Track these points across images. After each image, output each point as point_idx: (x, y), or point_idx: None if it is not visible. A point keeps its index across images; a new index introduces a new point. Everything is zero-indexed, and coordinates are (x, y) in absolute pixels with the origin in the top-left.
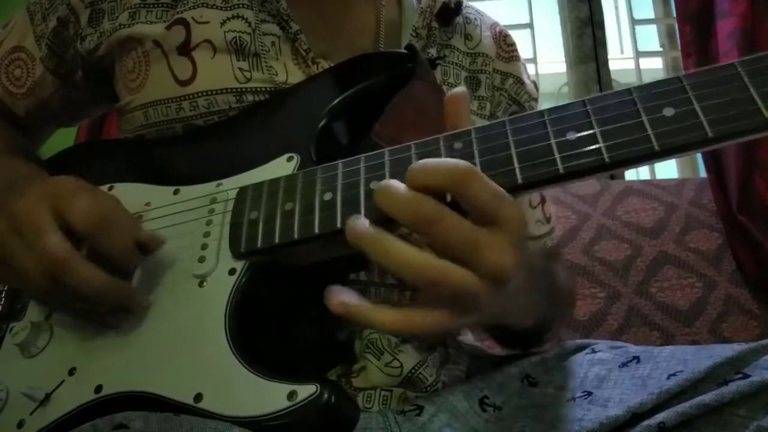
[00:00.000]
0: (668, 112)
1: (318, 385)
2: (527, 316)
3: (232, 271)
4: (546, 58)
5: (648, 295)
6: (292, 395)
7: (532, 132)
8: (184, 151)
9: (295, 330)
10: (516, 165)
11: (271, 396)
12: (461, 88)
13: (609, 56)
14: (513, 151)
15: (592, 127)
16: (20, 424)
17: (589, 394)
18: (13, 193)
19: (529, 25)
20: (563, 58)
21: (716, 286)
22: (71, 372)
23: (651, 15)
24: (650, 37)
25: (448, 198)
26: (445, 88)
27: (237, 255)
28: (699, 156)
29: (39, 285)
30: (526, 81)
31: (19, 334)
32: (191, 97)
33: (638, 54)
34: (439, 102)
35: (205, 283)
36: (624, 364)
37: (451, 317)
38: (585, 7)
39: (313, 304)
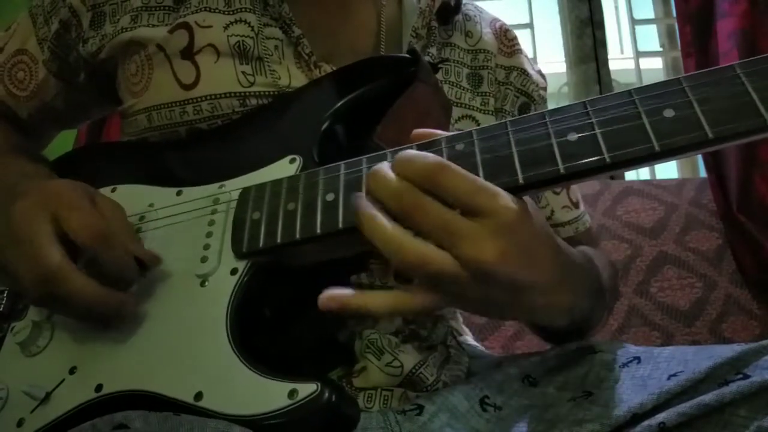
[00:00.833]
0: (668, 113)
1: (319, 384)
2: (561, 316)
3: (234, 271)
4: (546, 58)
5: (648, 295)
6: (292, 393)
7: (533, 133)
8: (187, 153)
9: (296, 330)
10: (517, 165)
11: (272, 394)
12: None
13: (609, 56)
14: (514, 151)
15: (593, 128)
16: (20, 423)
17: (590, 394)
18: (12, 194)
19: (529, 25)
20: (563, 58)
21: (716, 286)
22: (72, 371)
23: (651, 15)
24: (650, 37)
25: None
26: (446, 87)
27: (239, 255)
28: (699, 156)
29: (33, 292)
30: (531, 72)
31: (21, 333)
32: (195, 101)
33: (638, 54)
34: (440, 105)
35: (207, 283)
36: (624, 365)
37: (436, 299)
38: (585, 7)
39: (314, 304)
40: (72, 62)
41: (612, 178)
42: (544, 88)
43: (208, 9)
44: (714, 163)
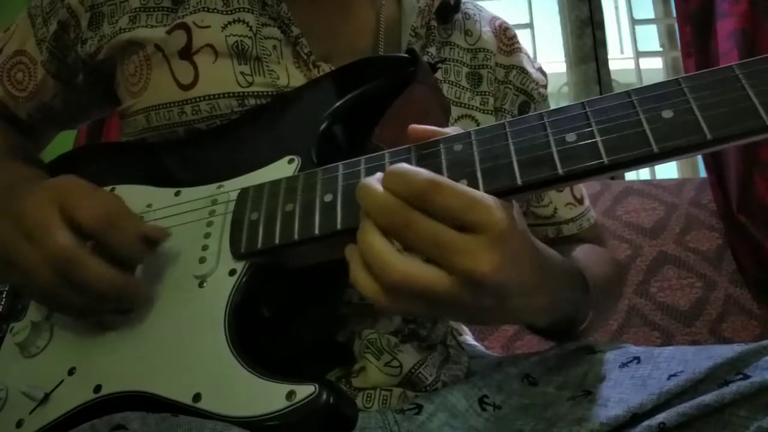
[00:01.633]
0: (667, 114)
1: (317, 385)
2: (540, 316)
3: (232, 272)
4: (546, 58)
5: (648, 295)
6: (290, 395)
7: (531, 134)
8: (186, 154)
9: (294, 331)
10: (516, 167)
11: (270, 396)
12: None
13: (609, 56)
14: (513, 153)
15: (591, 129)
16: (19, 424)
17: (589, 393)
18: (13, 195)
19: (529, 25)
20: (563, 58)
21: (716, 286)
22: (71, 372)
23: (651, 15)
24: (650, 37)
25: None
26: (446, 86)
27: (237, 256)
28: (699, 156)
29: (45, 283)
30: (531, 70)
31: (20, 334)
32: (193, 101)
33: (638, 54)
34: (439, 105)
35: (205, 284)
36: (624, 364)
37: (419, 307)
38: (585, 7)
39: (312, 305)
40: (70, 63)
41: (612, 178)
42: (545, 86)
43: (206, 9)
44: (714, 163)
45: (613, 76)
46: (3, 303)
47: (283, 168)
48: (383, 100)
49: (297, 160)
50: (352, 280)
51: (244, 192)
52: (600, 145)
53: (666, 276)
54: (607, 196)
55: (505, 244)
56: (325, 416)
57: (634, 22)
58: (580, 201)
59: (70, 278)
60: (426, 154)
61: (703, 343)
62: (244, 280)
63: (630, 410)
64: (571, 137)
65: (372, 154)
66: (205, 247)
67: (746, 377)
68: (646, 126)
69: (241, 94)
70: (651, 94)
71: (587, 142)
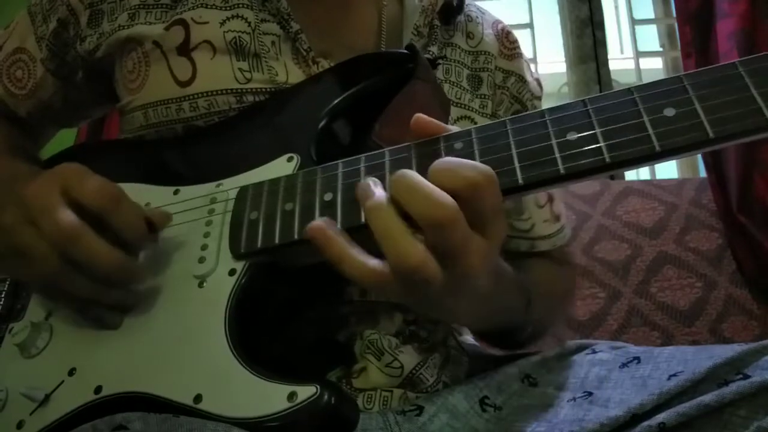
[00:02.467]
0: (669, 112)
1: (318, 386)
2: (476, 321)
3: (232, 272)
4: (546, 58)
5: (648, 295)
6: (292, 396)
7: (532, 132)
8: (185, 152)
9: (295, 331)
10: (517, 165)
11: (271, 397)
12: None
13: (609, 56)
14: (514, 151)
15: (592, 128)
16: (20, 425)
17: (590, 394)
18: (14, 190)
19: (529, 25)
20: (563, 58)
21: (716, 286)
22: (71, 372)
23: (651, 15)
24: (650, 37)
25: None
26: (447, 86)
27: (237, 255)
28: (699, 156)
29: (48, 267)
30: (529, 79)
31: (19, 335)
32: (191, 97)
33: (638, 54)
34: (439, 102)
35: (205, 284)
36: (624, 365)
37: (399, 291)
38: (585, 7)
39: (313, 304)
40: (70, 60)
41: (612, 177)
42: (539, 98)
43: (204, 5)
44: (714, 163)
45: (613, 76)
46: (2, 303)
47: (282, 166)
48: (383, 97)
49: (296, 158)
50: (352, 265)
51: (243, 190)
52: (602, 142)
53: (666, 276)
54: (607, 196)
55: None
56: (326, 417)
57: (634, 22)
58: (557, 219)
59: (74, 257)
60: (426, 152)
61: (703, 343)
62: (244, 279)
63: (630, 410)
64: (572, 135)
65: (371, 153)
66: (204, 247)
67: (746, 377)
68: (648, 124)
69: (239, 90)
70: (653, 92)
71: (589, 140)
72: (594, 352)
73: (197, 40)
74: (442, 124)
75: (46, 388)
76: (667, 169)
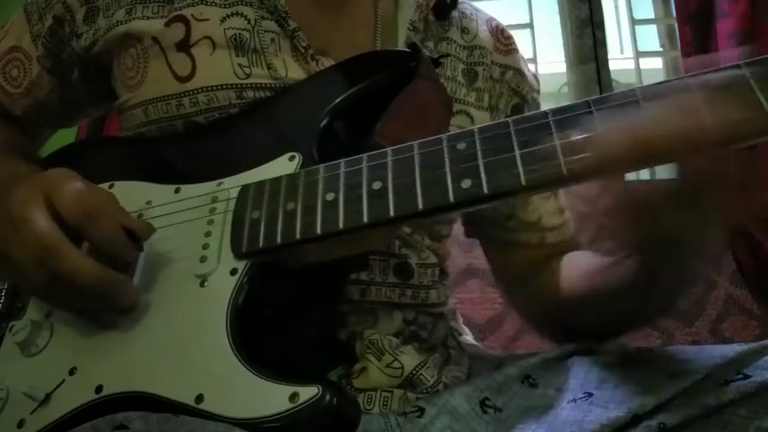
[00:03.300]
0: None
1: (320, 387)
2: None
3: (233, 272)
4: (546, 58)
5: None
6: (294, 397)
7: (536, 133)
8: (185, 150)
9: (296, 330)
10: (520, 167)
11: (273, 397)
12: None
13: (609, 56)
14: (517, 152)
15: (597, 128)
16: (21, 424)
17: (590, 395)
18: (9, 191)
19: (529, 25)
20: (563, 58)
21: (716, 286)
22: (72, 372)
23: (651, 15)
24: (650, 37)
25: None
26: (442, 81)
27: (238, 255)
28: None
29: (35, 278)
30: (527, 73)
31: (20, 333)
32: (191, 93)
33: (638, 54)
34: (441, 100)
35: (206, 283)
36: (624, 365)
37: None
38: (585, 7)
39: (314, 304)
40: (66, 58)
41: None
42: (537, 91)
43: (204, 2)
44: None
45: (613, 76)
46: (2, 301)
47: (284, 165)
48: (385, 96)
49: (298, 157)
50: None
51: (244, 190)
52: None
53: None
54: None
55: None
56: (328, 418)
57: (634, 22)
58: (562, 211)
59: (51, 269)
60: (429, 151)
61: (703, 343)
62: (245, 279)
63: (631, 411)
64: (576, 136)
65: (374, 152)
66: (205, 246)
67: (746, 377)
68: None
69: (239, 85)
70: (655, 92)
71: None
72: (594, 352)
73: (197, 36)
74: None
75: (46, 387)
76: (668, 169)
